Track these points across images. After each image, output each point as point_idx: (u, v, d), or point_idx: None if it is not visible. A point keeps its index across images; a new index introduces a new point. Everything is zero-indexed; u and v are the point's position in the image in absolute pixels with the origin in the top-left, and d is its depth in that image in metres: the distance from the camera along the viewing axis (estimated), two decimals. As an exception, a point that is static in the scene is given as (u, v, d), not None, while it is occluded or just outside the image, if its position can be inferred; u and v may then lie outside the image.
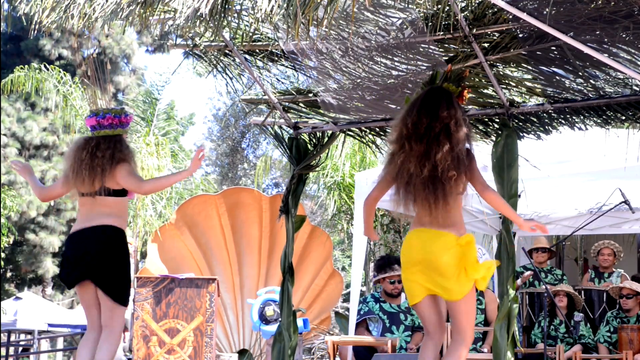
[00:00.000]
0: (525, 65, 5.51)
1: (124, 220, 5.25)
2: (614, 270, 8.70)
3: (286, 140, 6.40)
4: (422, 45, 5.40)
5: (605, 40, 5.01)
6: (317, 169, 6.68)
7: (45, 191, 5.46)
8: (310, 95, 6.13)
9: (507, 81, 5.75)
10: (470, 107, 5.85)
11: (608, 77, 5.54)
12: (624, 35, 4.89)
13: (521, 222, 4.57)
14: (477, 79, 5.65)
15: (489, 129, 6.11)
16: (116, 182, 5.16)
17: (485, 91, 5.84)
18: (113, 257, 5.14)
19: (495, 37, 5.28)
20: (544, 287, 7.85)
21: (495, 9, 5.01)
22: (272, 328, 7.88)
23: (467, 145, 4.42)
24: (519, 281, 8.18)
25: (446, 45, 5.41)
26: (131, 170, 5.23)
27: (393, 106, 6.04)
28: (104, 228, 5.12)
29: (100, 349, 5.09)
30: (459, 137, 4.33)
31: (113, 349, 5.10)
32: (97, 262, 5.08)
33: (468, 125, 4.46)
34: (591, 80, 5.52)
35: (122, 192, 5.22)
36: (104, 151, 5.13)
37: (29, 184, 5.67)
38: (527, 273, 8.50)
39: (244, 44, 5.58)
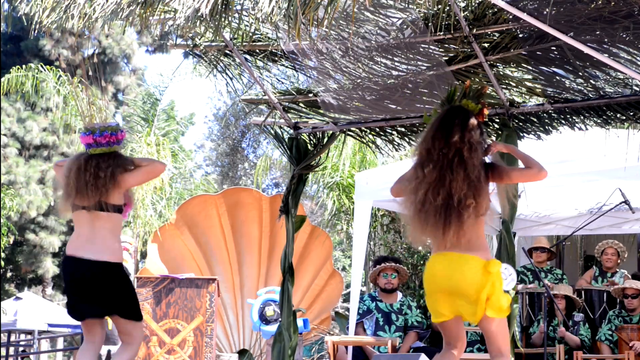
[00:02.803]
0: (525, 65, 5.52)
1: (120, 248, 5.18)
2: (617, 270, 8.70)
3: (286, 140, 6.40)
4: (422, 45, 5.40)
5: (605, 40, 5.01)
6: (317, 169, 6.68)
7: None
8: (311, 95, 6.13)
9: (507, 81, 5.76)
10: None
11: (608, 77, 5.54)
12: (624, 35, 4.89)
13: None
14: (477, 79, 5.64)
15: (489, 129, 6.11)
16: (123, 189, 5.12)
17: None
18: (118, 288, 5.10)
19: (495, 37, 5.28)
20: (544, 287, 7.85)
21: (496, 9, 5.01)
22: (272, 328, 7.88)
23: (484, 159, 4.31)
24: (520, 287, 8.18)
25: (446, 46, 5.42)
26: (132, 170, 5.21)
27: (393, 106, 6.05)
28: (101, 264, 5.06)
29: (119, 356, 5.10)
30: (473, 163, 4.21)
31: (132, 358, 5.12)
32: (103, 299, 5.05)
33: (484, 139, 4.35)
34: (591, 80, 5.52)
35: (119, 209, 5.17)
36: (105, 170, 5.07)
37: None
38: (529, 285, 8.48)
39: (244, 44, 5.58)
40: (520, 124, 5.96)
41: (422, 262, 10.90)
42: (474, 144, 4.25)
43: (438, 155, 4.23)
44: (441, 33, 5.16)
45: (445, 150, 4.22)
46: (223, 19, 4.51)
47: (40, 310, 20.15)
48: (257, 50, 5.79)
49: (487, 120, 5.92)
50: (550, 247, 8.85)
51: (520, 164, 4.63)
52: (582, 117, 5.87)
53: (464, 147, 4.22)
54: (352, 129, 6.38)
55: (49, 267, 26.33)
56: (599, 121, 5.85)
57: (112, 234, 5.11)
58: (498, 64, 5.56)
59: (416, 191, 4.25)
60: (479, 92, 4.51)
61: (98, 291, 5.03)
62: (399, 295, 8.31)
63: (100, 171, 5.07)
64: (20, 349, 19.67)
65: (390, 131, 6.43)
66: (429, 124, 4.42)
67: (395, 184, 4.54)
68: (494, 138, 5.95)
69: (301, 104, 6.29)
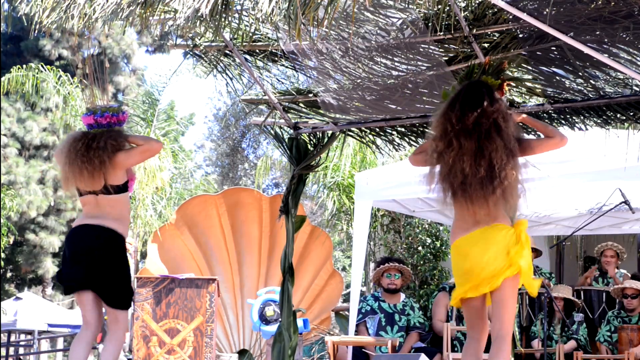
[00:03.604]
0: (525, 66, 5.51)
1: (126, 223, 5.25)
2: (617, 270, 8.70)
3: (286, 140, 6.40)
4: (422, 46, 5.40)
5: (606, 40, 5.01)
6: (317, 169, 6.68)
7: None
8: (311, 95, 6.12)
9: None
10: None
11: (608, 78, 5.54)
12: (624, 36, 4.89)
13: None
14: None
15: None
16: (120, 170, 5.14)
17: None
18: (111, 265, 5.12)
19: (495, 37, 5.28)
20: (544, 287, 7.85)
21: (496, 9, 5.01)
22: (272, 328, 7.88)
23: (516, 135, 4.26)
24: None
25: (446, 46, 5.41)
26: (127, 150, 5.20)
27: (393, 106, 6.04)
28: (105, 230, 5.11)
29: (104, 350, 5.11)
30: (509, 131, 4.16)
31: (117, 350, 5.12)
32: (96, 270, 5.07)
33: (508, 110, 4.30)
34: (591, 81, 5.52)
35: (124, 188, 5.21)
36: (99, 141, 5.10)
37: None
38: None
39: (244, 44, 5.58)
40: (521, 124, 5.95)
41: (422, 262, 10.90)
42: (506, 113, 4.21)
43: (474, 125, 4.14)
44: (441, 33, 5.16)
45: (480, 119, 4.13)
46: (223, 19, 4.51)
47: (40, 310, 20.17)
48: (257, 51, 5.78)
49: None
50: (550, 247, 8.86)
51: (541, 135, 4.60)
52: (582, 117, 5.86)
53: (499, 116, 4.17)
54: (352, 129, 6.38)
55: (49, 267, 26.33)
56: (599, 121, 5.85)
57: (119, 210, 5.18)
58: (498, 64, 5.55)
59: (454, 162, 4.13)
60: (499, 67, 4.49)
61: (97, 259, 5.04)
62: (402, 295, 8.32)
63: (94, 142, 5.09)
64: (21, 350, 19.66)
65: (390, 131, 6.43)
66: (448, 99, 4.33)
67: (416, 153, 4.45)
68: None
69: (301, 104, 6.29)
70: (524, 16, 4.67)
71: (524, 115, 4.63)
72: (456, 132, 4.17)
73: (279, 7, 3.97)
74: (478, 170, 4.10)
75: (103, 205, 5.15)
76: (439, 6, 4.99)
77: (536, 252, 8.81)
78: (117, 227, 5.15)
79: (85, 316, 5.19)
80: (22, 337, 21.45)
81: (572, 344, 7.83)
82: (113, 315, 5.17)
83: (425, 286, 10.78)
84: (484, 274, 4.15)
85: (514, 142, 4.19)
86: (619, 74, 5.37)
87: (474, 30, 5.14)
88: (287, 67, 5.98)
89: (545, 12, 4.70)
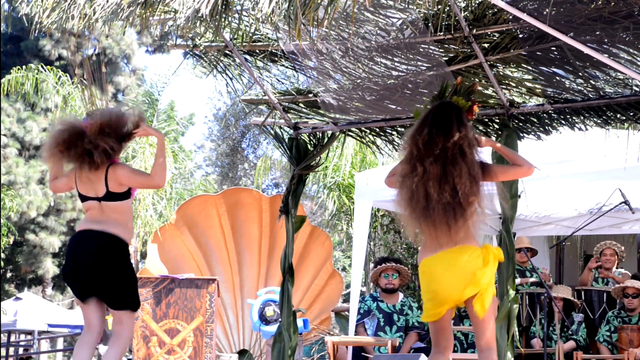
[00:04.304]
0: (525, 66, 5.52)
1: (130, 230, 5.23)
2: (614, 270, 8.70)
3: (286, 140, 6.40)
4: (422, 46, 5.40)
5: (605, 40, 5.01)
6: (317, 169, 6.68)
7: (53, 184, 5.47)
8: (311, 95, 6.13)
9: (507, 81, 5.76)
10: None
11: (608, 78, 5.54)
12: (624, 36, 4.89)
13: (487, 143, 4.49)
14: (477, 80, 5.64)
15: (489, 129, 6.11)
16: (121, 184, 5.14)
17: (485, 91, 5.84)
18: (115, 270, 5.09)
19: (495, 38, 5.28)
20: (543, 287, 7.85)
21: (496, 10, 5.01)
22: (272, 328, 7.88)
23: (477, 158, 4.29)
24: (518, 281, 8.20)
25: (446, 46, 5.42)
26: (132, 169, 5.25)
27: (393, 106, 6.05)
28: (109, 236, 5.08)
29: (107, 352, 5.09)
30: (473, 158, 4.19)
31: (120, 354, 5.11)
32: (97, 276, 5.05)
33: (474, 136, 4.35)
34: (591, 81, 5.52)
35: (126, 194, 5.20)
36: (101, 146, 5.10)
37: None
38: (530, 280, 8.49)
39: (244, 44, 5.58)
40: (520, 124, 5.96)
41: (422, 262, 10.87)
42: (471, 139, 4.24)
43: (440, 150, 4.16)
44: (441, 33, 5.16)
45: (446, 144, 4.16)
46: (223, 19, 4.52)
47: (40, 310, 20.17)
48: (257, 51, 5.78)
49: (479, 118, 5.93)
50: (550, 247, 8.86)
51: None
52: (582, 118, 5.87)
53: (465, 142, 4.19)
54: (352, 129, 6.38)
55: (49, 268, 26.33)
56: (599, 121, 5.85)
57: (121, 218, 5.16)
58: (498, 64, 5.56)
59: (417, 187, 4.17)
60: (470, 89, 4.52)
61: (99, 267, 5.03)
62: (400, 295, 8.32)
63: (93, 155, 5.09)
64: (21, 349, 19.67)
65: (390, 131, 6.43)
66: (418, 119, 4.37)
67: (389, 176, 4.51)
68: (493, 138, 5.95)
69: (301, 104, 6.29)
70: (524, 16, 4.67)
71: (494, 142, 4.63)
72: (421, 156, 4.20)
73: (279, 7, 3.97)
74: (443, 196, 4.13)
75: (107, 212, 5.14)
76: (439, 6, 4.99)
77: (532, 252, 8.82)
78: (120, 233, 5.13)
79: (88, 319, 5.18)
80: (22, 337, 21.45)
81: (571, 344, 7.83)
82: (117, 317, 5.15)
83: (425, 286, 10.75)
84: (449, 297, 4.24)
85: (477, 168, 4.21)
86: (619, 74, 5.38)
87: (474, 31, 5.14)
88: (287, 67, 5.99)
89: (545, 12, 4.70)
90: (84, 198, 5.19)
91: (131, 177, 5.16)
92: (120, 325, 5.14)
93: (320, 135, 6.40)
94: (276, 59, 5.85)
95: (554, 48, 5.26)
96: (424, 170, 4.16)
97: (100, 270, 5.03)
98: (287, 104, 6.27)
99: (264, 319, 8.25)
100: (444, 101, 4.44)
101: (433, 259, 4.25)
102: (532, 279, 8.48)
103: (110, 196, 5.10)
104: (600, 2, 4.65)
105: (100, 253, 5.04)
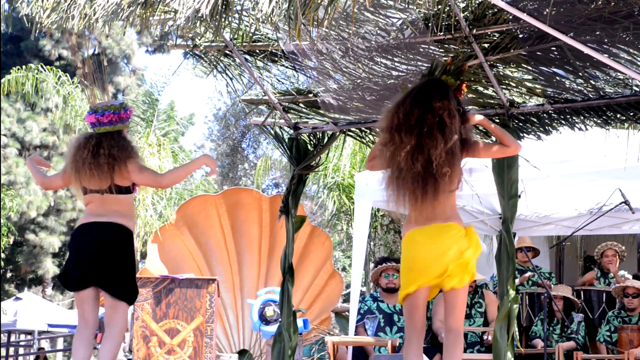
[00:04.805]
0: (525, 66, 5.51)
1: (132, 220, 5.27)
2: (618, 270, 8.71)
3: (286, 140, 6.40)
4: (422, 46, 5.40)
5: (606, 40, 5.01)
6: (317, 169, 6.68)
7: (47, 180, 5.49)
8: (311, 95, 6.12)
9: (507, 81, 5.75)
10: (470, 107, 5.85)
11: (608, 78, 5.54)
12: (624, 36, 4.89)
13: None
14: (477, 80, 5.64)
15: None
16: (128, 179, 5.18)
17: (486, 92, 5.84)
18: (120, 258, 5.12)
19: (495, 38, 5.28)
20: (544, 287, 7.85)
21: (496, 10, 5.01)
22: (272, 328, 7.89)
23: (464, 136, 4.32)
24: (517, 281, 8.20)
25: (446, 46, 5.41)
26: (142, 166, 5.29)
27: (393, 106, 6.04)
28: (113, 225, 5.12)
29: (102, 348, 5.08)
30: (453, 129, 4.20)
31: (116, 348, 5.10)
32: (100, 262, 5.07)
33: (467, 119, 4.38)
34: (591, 81, 5.52)
35: (129, 189, 5.24)
36: (106, 149, 5.16)
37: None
38: (527, 274, 8.50)
39: (244, 44, 5.58)
40: (520, 124, 5.96)
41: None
42: (453, 111, 4.24)
43: (417, 120, 4.19)
44: (441, 33, 5.16)
45: (425, 115, 4.19)
46: (223, 20, 4.51)
47: (40, 310, 20.18)
48: (257, 51, 5.78)
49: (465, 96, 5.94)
50: (550, 247, 8.86)
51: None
52: (582, 118, 5.86)
53: (444, 113, 4.20)
54: (352, 129, 6.38)
55: (49, 268, 26.34)
56: (599, 121, 5.85)
57: (123, 210, 5.20)
58: (498, 64, 5.55)
59: (393, 157, 4.20)
60: (459, 68, 4.54)
61: (104, 253, 5.05)
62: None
63: (101, 149, 5.16)
64: (22, 349, 19.67)
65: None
66: (405, 92, 4.40)
67: (369, 160, 4.53)
68: (494, 138, 5.94)
69: (301, 104, 6.29)
70: (524, 16, 4.67)
71: (482, 118, 4.63)
72: (399, 126, 4.22)
73: (279, 7, 3.97)
74: (413, 165, 4.15)
75: (109, 203, 5.17)
76: (439, 6, 4.99)
77: (534, 251, 8.82)
78: (125, 223, 5.17)
79: (84, 314, 5.18)
80: (22, 337, 21.45)
81: (571, 344, 7.84)
82: (113, 307, 5.13)
83: (425, 286, 10.75)
84: (427, 267, 4.25)
85: (457, 141, 4.22)
86: (619, 74, 5.37)
87: (474, 31, 5.14)
88: (287, 67, 5.98)
89: (545, 13, 4.70)
90: (86, 190, 5.22)
91: (138, 173, 5.20)
92: (115, 315, 5.12)
93: (320, 135, 6.40)
94: (276, 59, 5.85)
95: (554, 48, 5.26)
96: (400, 140, 4.20)
97: (105, 255, 5.06)
98: (287, 104, 6.26)
99: (264, 319, 8.25)
100: (432, 77, 4.49)
101: (418, 230, 4.29)
102: (529, 273, 8.48)
103: (113, 189, 5.14)
104: (600, 2, 4.65)
105: (107, 240, 5.08)
